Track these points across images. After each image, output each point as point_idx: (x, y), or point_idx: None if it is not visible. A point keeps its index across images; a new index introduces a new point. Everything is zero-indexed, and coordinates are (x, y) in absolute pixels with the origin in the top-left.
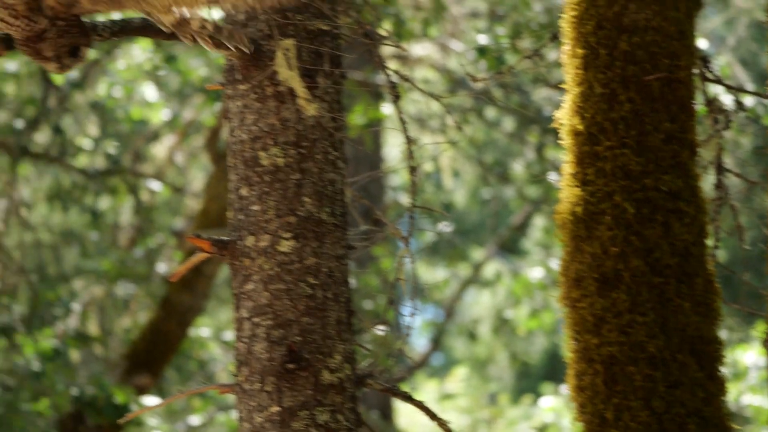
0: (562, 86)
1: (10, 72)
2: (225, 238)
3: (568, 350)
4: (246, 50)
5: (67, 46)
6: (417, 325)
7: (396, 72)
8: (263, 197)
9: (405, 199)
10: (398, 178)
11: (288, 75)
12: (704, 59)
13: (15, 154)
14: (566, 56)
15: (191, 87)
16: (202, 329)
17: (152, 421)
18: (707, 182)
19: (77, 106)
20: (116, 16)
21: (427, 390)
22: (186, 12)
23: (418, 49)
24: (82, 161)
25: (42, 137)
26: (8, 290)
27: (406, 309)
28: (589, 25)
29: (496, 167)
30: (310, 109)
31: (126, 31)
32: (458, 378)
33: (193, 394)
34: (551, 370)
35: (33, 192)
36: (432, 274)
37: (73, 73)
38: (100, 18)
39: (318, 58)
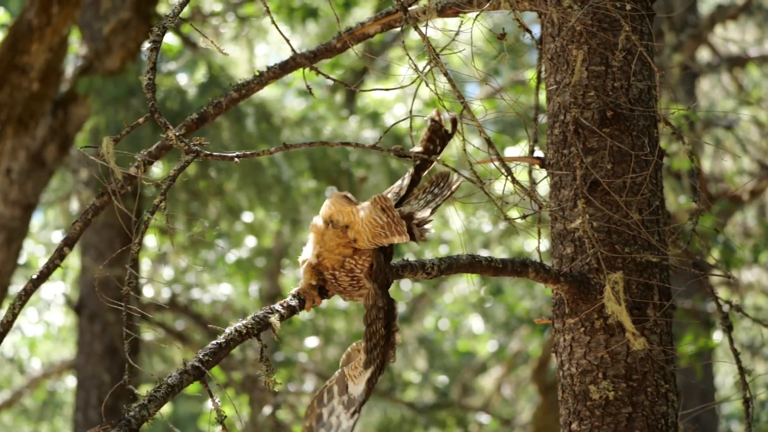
0: None
1: (339, 308)
2: None
3: None
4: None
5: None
6: None
7: (726, 301)
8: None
9: (739, 429)
10: (732, 407)
11: (616, 309)
12: None
13: None
14: None
15: (517, 319)
16: None
17: None
18: None
19: (405, 341)
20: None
21: None
22: None
23: (749, 275)
24: (410, 395)
25: None
26: None
27: None
28: None
29: None
30: (638, 343)
31: (453, 268)
32: None
33: None
34: None
35: (363, 427)
36: None
37: (401, 308)
38: (428, 256)
39: (647, 290)
